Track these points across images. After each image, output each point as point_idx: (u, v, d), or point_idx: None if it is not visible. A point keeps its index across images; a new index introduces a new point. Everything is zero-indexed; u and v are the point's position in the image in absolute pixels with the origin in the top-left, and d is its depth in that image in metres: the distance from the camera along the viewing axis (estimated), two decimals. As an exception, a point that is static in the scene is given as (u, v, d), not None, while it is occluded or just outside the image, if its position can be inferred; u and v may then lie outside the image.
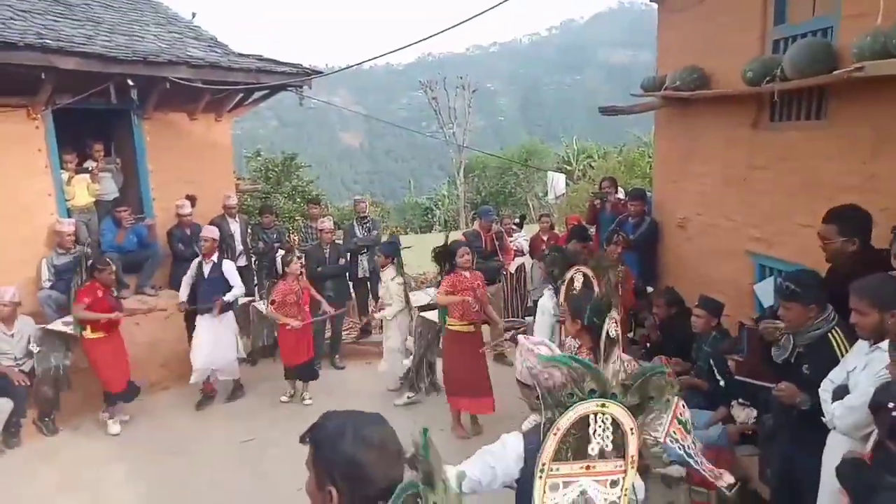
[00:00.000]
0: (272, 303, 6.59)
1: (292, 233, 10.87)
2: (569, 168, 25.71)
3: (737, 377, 4.16)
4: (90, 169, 7.34)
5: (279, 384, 6.85)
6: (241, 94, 8.41)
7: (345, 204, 29.51)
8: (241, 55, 8.18)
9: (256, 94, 8.64)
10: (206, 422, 6.26)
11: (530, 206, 24.58)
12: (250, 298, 7.65)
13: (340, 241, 8.26)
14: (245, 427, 6.04)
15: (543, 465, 1.96)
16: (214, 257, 6.60)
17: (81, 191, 7.19)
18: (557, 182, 11.70)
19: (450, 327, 5.71)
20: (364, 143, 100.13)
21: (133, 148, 7.62)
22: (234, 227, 8.05)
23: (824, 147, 4.51)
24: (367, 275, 8.21)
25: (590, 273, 4.36)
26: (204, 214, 7.90)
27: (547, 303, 4.95)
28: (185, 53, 7.34)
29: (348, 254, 8.04)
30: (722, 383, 4.40)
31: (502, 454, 2.22)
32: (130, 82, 6.72)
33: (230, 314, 6.78)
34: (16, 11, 6.58)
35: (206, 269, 6.55)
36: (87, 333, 5.95)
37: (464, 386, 5.62)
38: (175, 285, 7.40)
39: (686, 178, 6.49)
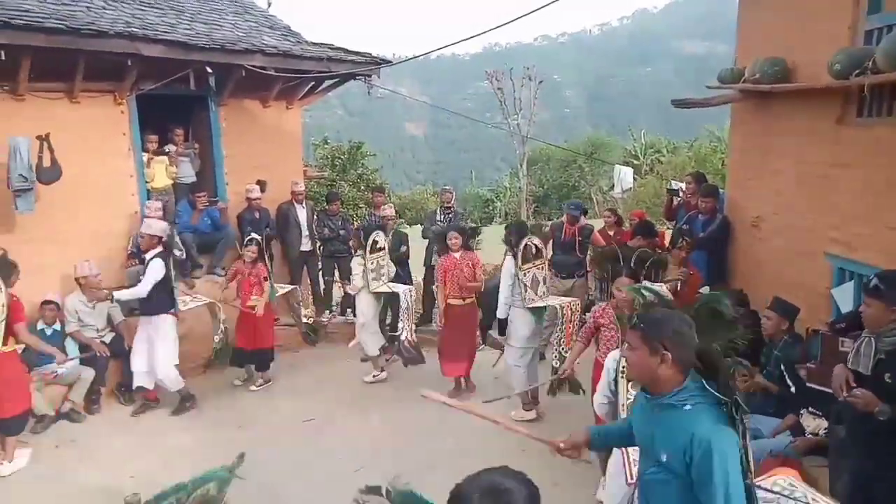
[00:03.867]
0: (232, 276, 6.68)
1: (356, 220, 11.07)
2: (636, 162, 25.10)
3: (808, 384, 3.97)
4: (168, 152, 7.69)
5: (341, 367, 7.03)
6: (312, 83, 8.59)
7: (406, 193, 29.81)
8: (313, 44, 8.35)
9: (326, 83, 8.81)
10: (272, 400, 6.47)
11: (594, 200, 24.18)
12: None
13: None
14: (308, 406, 6.21)
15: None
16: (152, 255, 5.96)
17: (160, 173, 7.54)
18: (625, 176, 11.42)
19: (449, 302, 6.28)
20: (428, 134, 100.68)
21: (209, 133, 7.92)
22: (301, 212, 8.27)
23: (918, 145, 4.22)
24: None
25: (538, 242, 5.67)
26: (273, 199, 8.16)
27: (509, 266, 5.69)
28: (260, 42, 7.56)
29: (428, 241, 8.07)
30: (793, 390, 4.22)
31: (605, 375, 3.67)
32: (209, 69, 6.98)
33: (170, 320, 6.04)
34: (107, 1, 6.94)
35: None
36: None
37: (459, 352, 6.32)
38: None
39: (762, 175, 6.21)
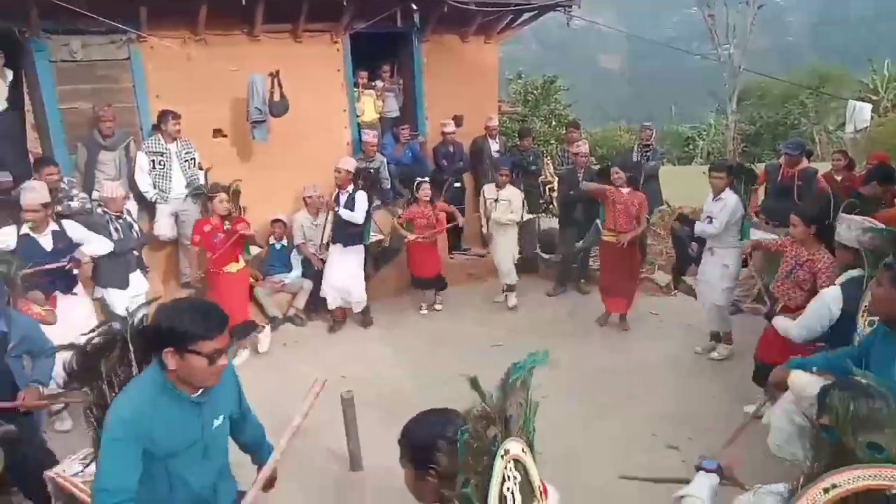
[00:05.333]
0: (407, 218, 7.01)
1: (547, 156, 10.99)
2: (875, 98, 21.51)
3: None
4: (375, 86, 8.22)
5: (523, 299, 7.25)
6: (510, 16, 8.52)
7: (597, 130, 28.61)
8: (512, -24, 8.22)
9: (525, 16, 8.68)
10: (458, 324, 6.87)
11: (818, 140, 21.33)
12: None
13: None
14: (492, 332, 6.49)
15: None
16: (349, 188, 6.45)
17: (369, 107, 8.13)
18: (861, 113, 9.76)
19: (604, 238, 6.53)
20: (624, 67, 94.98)
21: (412, 69, 8.29)
22: (495, 147, 8.41)
23: None
24: None
25: None
26: (469, 133, 8.40)
27: (735, 204, 5.39)
28: (462, -24, 7.62)
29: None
30: None
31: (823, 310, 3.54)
32: (414, 6, 7.24)
33: (359, 247, 6.64)
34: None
35: (342, 200, 6.44)
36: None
37: (610, 287, 6.57)
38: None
39: None
